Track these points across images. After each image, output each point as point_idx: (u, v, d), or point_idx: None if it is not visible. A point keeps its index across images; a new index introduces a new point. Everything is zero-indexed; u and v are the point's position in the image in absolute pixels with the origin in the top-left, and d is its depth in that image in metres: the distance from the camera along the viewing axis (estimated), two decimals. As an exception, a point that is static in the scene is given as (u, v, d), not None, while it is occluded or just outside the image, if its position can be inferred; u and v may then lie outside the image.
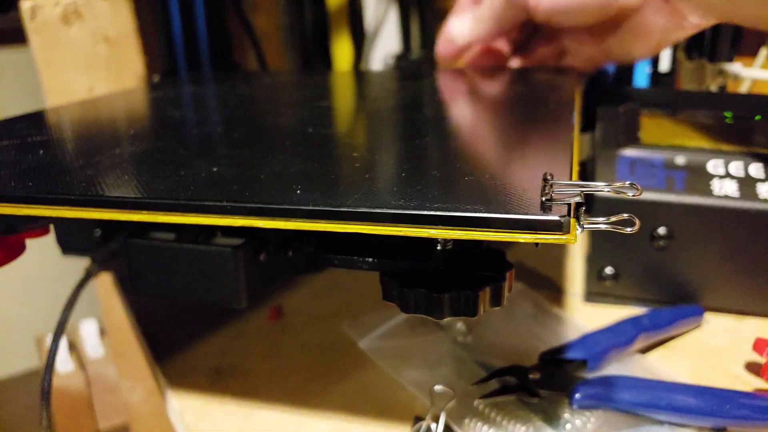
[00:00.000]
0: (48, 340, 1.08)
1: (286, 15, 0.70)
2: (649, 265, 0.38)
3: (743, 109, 0.40)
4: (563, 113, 0.31)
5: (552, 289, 0.43)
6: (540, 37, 0.46)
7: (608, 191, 0.19)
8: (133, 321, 0.43)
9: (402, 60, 0.72)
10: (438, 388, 0.31)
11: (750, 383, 0.33)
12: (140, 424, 0.74)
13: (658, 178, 0.38)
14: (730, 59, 0.52)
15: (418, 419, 0.30)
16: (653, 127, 0.41)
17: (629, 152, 0.40)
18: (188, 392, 0.35)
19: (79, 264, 0.36)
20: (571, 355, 0.32)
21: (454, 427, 0.30)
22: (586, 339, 0.33)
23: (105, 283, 0.64)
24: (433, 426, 0.30)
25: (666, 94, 0.42)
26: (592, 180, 0.40)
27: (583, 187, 0.18)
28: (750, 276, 0.37)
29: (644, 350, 0.35)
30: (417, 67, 0.71)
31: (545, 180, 0.19)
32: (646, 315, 0.35)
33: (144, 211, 0.22)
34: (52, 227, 0.32)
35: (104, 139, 0.32)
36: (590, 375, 0.32)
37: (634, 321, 0.35)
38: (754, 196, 0.36)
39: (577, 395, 0.29)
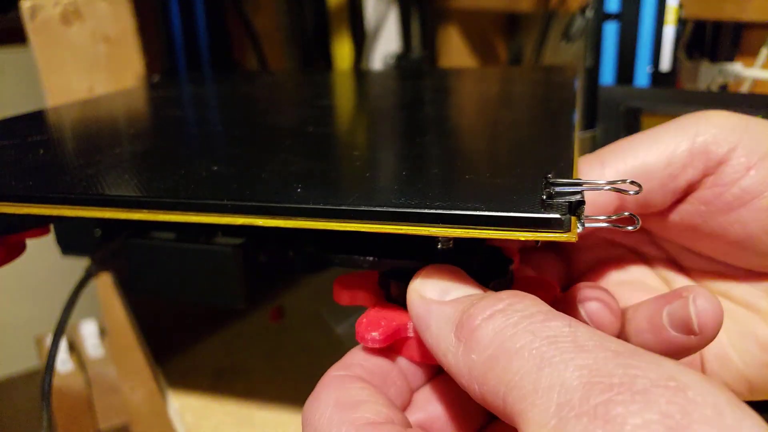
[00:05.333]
0: (48, 340, 1.08)
1: (286, 15, 0.70)
2: (650, 265, 0.38)
3: (744, 109, 0.40)
4: (563, 113, 0.31)
5: (552, 289, 0.42)
6: None
7: (609, 189, 0.19)
8: (133, 321, 0.43)
9: (402, 60, 0.72)
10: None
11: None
12: (140, 424, 0.74)
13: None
14: (731, 59, 0.52)
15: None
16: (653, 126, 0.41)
17: (630, 152, 0.39)
18: (189, 392, 0.35)
19: (79, 264, 0.36)
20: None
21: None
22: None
23: (105, 283, 0.64)
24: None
25: (666, 94, 0.42)
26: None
27: (583, 185, 0.18)
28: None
29: (645, 350, 0.35)
30: (417, 66, 0.71)
31: (546, 178, 0.19)
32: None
33: (144, 210, 0.22)
34: (52, 227, 0.32)
35: (104, 139, 0.32)
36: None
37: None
38: (754, 196, 0.36)
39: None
